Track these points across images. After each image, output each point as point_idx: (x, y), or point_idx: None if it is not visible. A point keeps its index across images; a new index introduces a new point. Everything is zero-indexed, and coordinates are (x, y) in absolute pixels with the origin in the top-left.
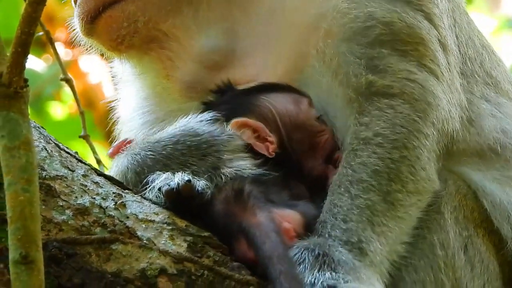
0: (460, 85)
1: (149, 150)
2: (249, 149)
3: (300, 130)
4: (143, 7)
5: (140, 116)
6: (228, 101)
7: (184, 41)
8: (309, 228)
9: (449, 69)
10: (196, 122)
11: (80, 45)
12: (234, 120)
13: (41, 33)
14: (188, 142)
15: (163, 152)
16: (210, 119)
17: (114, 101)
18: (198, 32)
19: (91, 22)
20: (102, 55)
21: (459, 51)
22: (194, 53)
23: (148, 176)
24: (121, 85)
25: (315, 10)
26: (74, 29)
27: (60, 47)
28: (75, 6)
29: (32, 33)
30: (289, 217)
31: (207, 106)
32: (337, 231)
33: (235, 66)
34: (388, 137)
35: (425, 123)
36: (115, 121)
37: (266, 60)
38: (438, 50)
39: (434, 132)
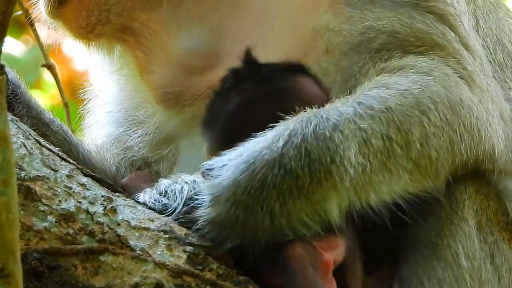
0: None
1: None
2: None
3: None
4: None
5: (109, 113)
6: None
7: (162, 37)
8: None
9: (482, 72)
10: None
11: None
12: None
13: (19, 12)
14: None
15: None
16: None
17: (89, 92)
18: (179, 29)
19: (58, 4)
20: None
21: (486, 56)
22: (173, 55)
23: None
24: (97, 77)
25: (312, 26)
26: (37, 6)
27: (41, 29)
28: None
29: (9, 13)
30: (332, 245)
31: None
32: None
33: (218, 71)
34: (414, 94)
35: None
36: (86, 113)
37: None
38: (462, 50)
39: (465, 136)
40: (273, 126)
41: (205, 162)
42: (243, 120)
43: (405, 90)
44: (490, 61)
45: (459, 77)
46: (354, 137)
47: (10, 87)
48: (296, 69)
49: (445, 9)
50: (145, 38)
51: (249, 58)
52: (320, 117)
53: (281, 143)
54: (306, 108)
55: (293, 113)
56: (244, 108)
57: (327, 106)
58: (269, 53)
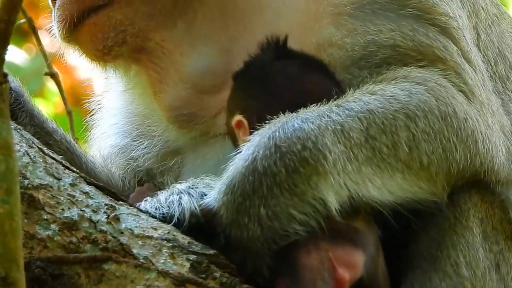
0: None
1: None
2: None
3: None
4: (131, 16)
5: (116, 125)
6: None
7: (176, 57)
8: (367, 268)
9: (483, 86)
10: None
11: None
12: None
13: (22, 20)
14: None
15: None
16: None
17: (97, 104)
18: (192, 49)
19: (73, 28)
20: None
21: (487, 69)
22: (185, 74)
23: None
24: (106, 92)
25: (315, 39)
26: (53, 33)
27: (44, 36)
28: (53, 8)
29: (12, 21)
30: (351, 260)
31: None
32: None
33: (228, 91)
34: (400, 100)
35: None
36: (91, 124)
37: None
38: (464, 64)
39: (458, 146)
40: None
41: (202, 202)
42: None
43: (390, 96)
44: (491, 74)
45: (457, 90)
46: (328, 127)
47: (13, 95)
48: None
49: (448, 22)
50: (158, 58)
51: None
52: (290, 117)
53: (251, 150)
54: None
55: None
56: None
57: (301, 109)
58: None
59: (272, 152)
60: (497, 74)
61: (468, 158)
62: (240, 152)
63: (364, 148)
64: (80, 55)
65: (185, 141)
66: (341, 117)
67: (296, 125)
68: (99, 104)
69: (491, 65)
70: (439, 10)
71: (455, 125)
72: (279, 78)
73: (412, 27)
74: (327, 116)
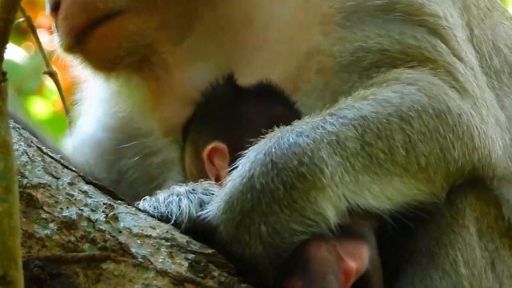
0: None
1: None
2: None
3: None
4: (142, 27)
5: (99, 119)
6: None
7: (175, 71)
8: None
9: (475, 82)
10: None
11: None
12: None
13: (21, 19)
14: None
15: None
16: None
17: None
18: (190, 64)
19: (80, 38)
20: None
21: (481, 65)
22: (184, 89)
23: None
24: (88, 94)
25: (304, 47)
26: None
27: (43, 35)
28: (55, 19)
29: (11, 20)
30: (356, 253)
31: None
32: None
33: None
34: (393, 103)
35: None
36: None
37: None
38: (454, 63)
39: (456, 143)
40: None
41: (200, 213)
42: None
43: (382, 99)
44: (486, 70)
45: (449, 86)
46: (323, 139)
47: None
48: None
49: (437, 22)
50: (159, 71)
51: (230, 81)
52: (285, 130)
53: (247, 166)
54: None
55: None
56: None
57: (295, 122)
58: (266, 76)
59: (269, 168)
60: (492, 69)
61: (466, 154)
62: (237, 167)
63: (361, 156)
64: (84, 65)
65: (174, 151)
66: (335, 126)
67: (291, 139)
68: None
69: (485, 59)
70: (427, 11)
71: (450, 122)
72: (244, 107)
73: (400, 30)
74: (322, 127)
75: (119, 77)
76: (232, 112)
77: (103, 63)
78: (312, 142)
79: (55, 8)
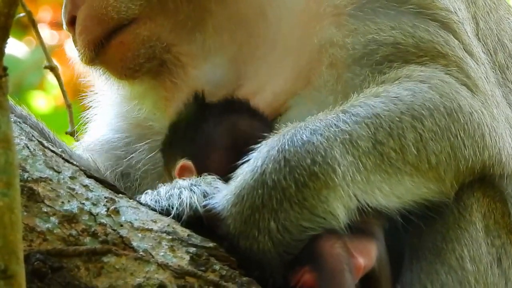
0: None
1: None
2: None
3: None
4: (157, 31)
5: (111, 122)
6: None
7: (189, 70)
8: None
9: (486, 79)
10: None
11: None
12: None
13: (22, 14)
14: None
15: None
16: None
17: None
18: (204, 61)
19: (99, 50)
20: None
21: (488, 60)
22: (198, 87)
23: None
24: (100, 98)
25: (317, 40)
26: (74, 60)
27: (44, 30)
28: (73, 34)
29: (12, 15)
30: (364, 249)
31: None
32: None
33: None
34: (405, 101)
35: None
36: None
37: (273, 87)
38: (466, 58)
39: (467, 141)
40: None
41: (207, 202)
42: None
43: (395, 97)
44: (491, 65)
45: (460, 84)
46: (336, 138)
47: None
48: (236, 106)
49: (449, 16)
50: (174, 71)
51: (197, 100)
52: (299, 127)
53: (259, 162)
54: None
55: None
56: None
57: (309, 118)
58: (284, 72)
59: (282, 166)
60: (497, 64)
61: (477, 153)
62: (248, 161)
63: (372, 155)
64: (107, 76)
65: None
66: (348, 125)
67: (305, 137)
68: (95, 102)
69: (490, 54)
70: (439, 5)
71: (461, 120)
72: (211, 124)
73: (413, 23)
74: (335, 125)
75: (142, 84)
76: (196, 131)
77: (125, 71)
78: (325, 141)
79: (71, 23)
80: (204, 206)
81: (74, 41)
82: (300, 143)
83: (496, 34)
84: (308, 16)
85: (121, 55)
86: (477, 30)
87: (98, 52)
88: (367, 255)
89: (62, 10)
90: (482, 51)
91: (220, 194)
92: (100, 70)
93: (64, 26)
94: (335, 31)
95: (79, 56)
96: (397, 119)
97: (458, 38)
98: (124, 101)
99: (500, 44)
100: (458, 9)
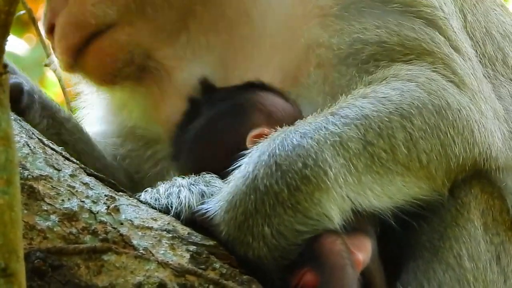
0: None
1: None
2: None
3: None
4: (136, 35)
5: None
6: (224, 98)
7: (176, 73)
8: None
9: (474, 74)
10: None
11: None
12: (252, 133)
13: (23, 11)
14: None
15: None
16: None
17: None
18: (190, 63)
19: (78, 56)
20: None
21: (476, 52)
22: (186, 90)
23: None
24: (87, 102)
25: (304, 40)
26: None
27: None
28: (52, 41)
29: (12, 12)
30: (362, 246)
31: (195, 104)
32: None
33: None
34: (393, 100)
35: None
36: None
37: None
38: (452, 54)
39: (456, 138)
40: (245, 154)
41: (200, 207)
42: (209, 142)
43: (383, 97)
44: (480, 58)
45: (447, 81)
46: (326, 141)
47: (25, 94)
48: (255, 85)
49: (434, 13)
50: (160, 76)
51: (205, 85)
52: (288, 131)
53: (251, 167)
54: (272, 121)
55: (259, 127)
56: (207, 130)
57: (298, 122)
58: (265, 69)
59: (273, 170)
60: (486, 56)
61: (467, 149)
62: (239, 166)
63: (363, 156)
64: (86, 81)
65: None
66: (338, 127)
67: (295, 141)
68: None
69: (479, 46)
70: (423, 2)
71: (450, 117)
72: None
73: (398, 22)
74: (325, 128)
75: (123, 90)
76: (182, 140)
77: (103, 77)
78: (316, 144)
79: (50, 31)
80: (197, 211)
81: (53, 48)
82: (290, 147)
83: (484, 26)
84: (294, 17)
85: (99, 61)
86: (465, 23)
87: (76, 58)
88: (365, 250)
89: (42, 18)
90: (471, 45)
91: (214, 199)
92: (80, 76)
93: (43, 34)
94: (321, 31)
95: (58, 63)
96: (386, 119)
97: (443, 34)
98: (112, 108)
99: (488, 35)
100: (444, 4)
